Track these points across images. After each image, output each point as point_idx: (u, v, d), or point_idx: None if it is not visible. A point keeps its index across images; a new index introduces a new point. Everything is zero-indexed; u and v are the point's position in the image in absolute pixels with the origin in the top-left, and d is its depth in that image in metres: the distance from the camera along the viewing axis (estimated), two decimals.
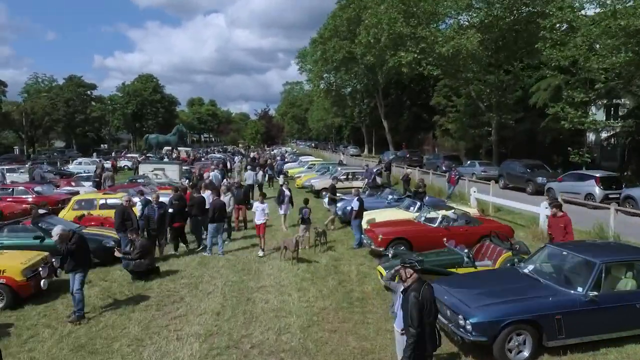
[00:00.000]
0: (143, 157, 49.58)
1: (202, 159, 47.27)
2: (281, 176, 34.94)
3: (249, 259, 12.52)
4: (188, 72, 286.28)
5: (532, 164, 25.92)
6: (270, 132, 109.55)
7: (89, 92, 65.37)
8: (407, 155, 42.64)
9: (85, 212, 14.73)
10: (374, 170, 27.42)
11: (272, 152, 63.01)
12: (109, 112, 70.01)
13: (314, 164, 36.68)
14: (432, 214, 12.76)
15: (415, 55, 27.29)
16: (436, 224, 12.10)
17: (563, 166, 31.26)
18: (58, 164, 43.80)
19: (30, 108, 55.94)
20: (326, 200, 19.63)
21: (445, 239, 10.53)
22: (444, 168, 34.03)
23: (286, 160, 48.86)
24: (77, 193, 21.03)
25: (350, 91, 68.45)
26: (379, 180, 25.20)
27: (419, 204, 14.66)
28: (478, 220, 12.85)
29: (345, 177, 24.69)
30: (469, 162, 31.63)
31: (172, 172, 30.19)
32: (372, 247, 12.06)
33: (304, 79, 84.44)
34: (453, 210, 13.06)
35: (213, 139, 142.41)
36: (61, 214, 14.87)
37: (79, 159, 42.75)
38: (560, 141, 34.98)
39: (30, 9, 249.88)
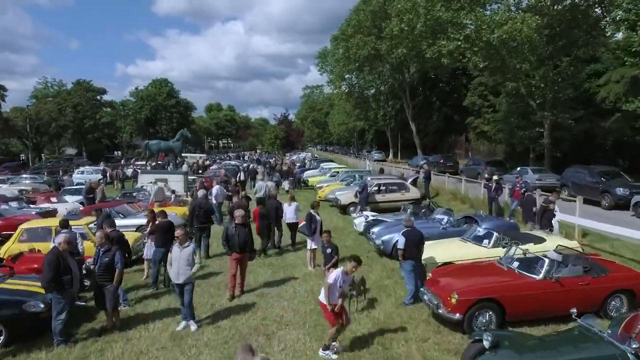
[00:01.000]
0: (153, 164, 46.40)
1: (213, 167, 43.65)
2: (285, 182, 31.19)
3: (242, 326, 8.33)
4: (208, 78, 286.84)
5: (607, 171, 21.24)
6: (290, 137, 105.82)
7: (98, 97, 62.66)
8: (441, 161, 38.08)
9: (36, 247, 10.83)
10: (411, 178, 23.14)
11: (291, 159, 59.11)
12: (121, 118, 67.20)
13: (338, 172, 32.54)
14: (529, 254, 8.42)
15: (459, 44, 22.89)
16: (541, 275, 7.72)
17: (630, 172, 26.34)
18: (60, 172, 40.60)
19: (35, 113, 53.26)
20: (358, 221, 15.44)
21: (573, 310, 6.16)
22: (486, 176, 29.51)
23: (306, 166, 44.92)
24: (53, 214, 17.27)
25: (374, 92, 64.20)
26: (415, 191, 20.86)
27: (495, 235, 10.29)
28: (600, 265, 8.41)
29: (377, 189, 20.42)
30: (519, 168, 26.98)
31: (177, 183, 26.40)
32: (440, 311, 7.73)
33: (325, 82, 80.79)
34: (557, 248, 8.70)
35: (232, 145, 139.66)
36: (3, 248, 11.04)
37: (81, 168, 39.49)
38: (624, 143, 30.08)
39: (54, 19, 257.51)
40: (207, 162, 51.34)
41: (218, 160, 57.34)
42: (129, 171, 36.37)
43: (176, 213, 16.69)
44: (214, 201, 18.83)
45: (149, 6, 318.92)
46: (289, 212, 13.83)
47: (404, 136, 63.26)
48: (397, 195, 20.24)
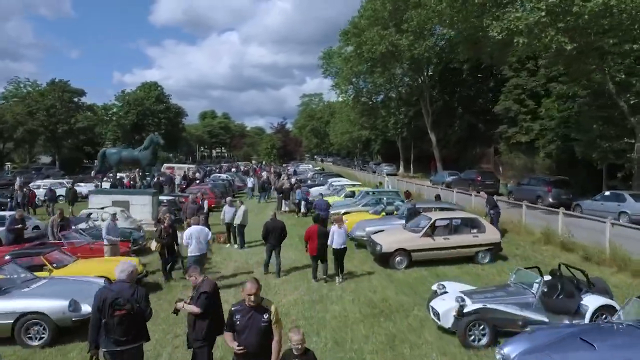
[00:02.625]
0: (133, 175, 39.28)
1: (201, 180, 36.51)
2: (284, 204, 24.72)
3: None
4: (204, 87, 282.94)
5: None
6: (287, 147, 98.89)
7: (76, 99, 55.45)
8: (478, 178, 31.14)
9: None
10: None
11: (287, 171, 52.02)
12: (102, 123, 59.92)
13: (354, 191, 25.58)
14: None
15: (542, 15, 16.03)
16: None
17: None
18: (16, 184, 33.24)
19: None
20: (444, 306, 8.39)
21: None
22: (550, 200, 22.65)
23: (307, 181, 37.94)
24: None
25: (383, 98, 57.52)
26: (492, 231, 13.85)
27: None
28: None
29: (434, 225, 13.40)
30: (607, 193, 20.07)
31: (142, 207, 19.32)
32: None
33: (328, 87, 74.14)
34: None
35: (226, 154, 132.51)
36: None
37: (38, 181, 32.29)
38: None
39: (53, 28, 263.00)
40: (197, 175, 44.25)
41: (207, 172, 50.28)
42: (85, 188, 29.33)
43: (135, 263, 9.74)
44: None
45: (146, 16, 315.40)
46: (337, 236, 11.87)
47: (418, 147, 56.51)
48: (467, 238, 13.26)
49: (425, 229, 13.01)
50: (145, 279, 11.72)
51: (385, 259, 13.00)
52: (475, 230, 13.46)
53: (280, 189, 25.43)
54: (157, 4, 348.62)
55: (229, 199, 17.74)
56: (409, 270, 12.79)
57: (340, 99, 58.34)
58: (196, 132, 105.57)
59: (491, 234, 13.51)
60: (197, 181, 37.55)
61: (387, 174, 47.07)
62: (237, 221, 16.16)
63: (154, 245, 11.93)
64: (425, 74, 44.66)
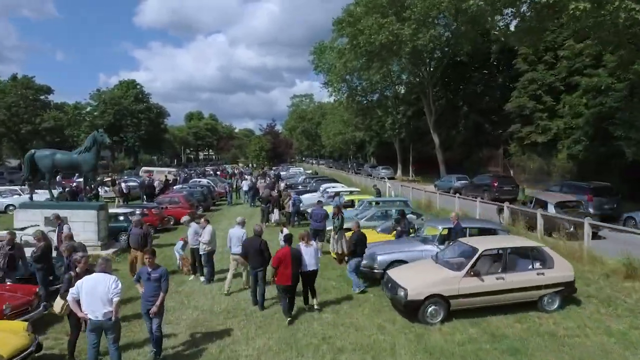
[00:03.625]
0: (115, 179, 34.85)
1: (176, 187, 32.05)
2: (274, 213, 20.79)
3: None
4: (192, 90, 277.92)
5: None
6: (277, 149, 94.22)
7: (43, 97, 50.66)
8: (495, 184, 27.11)
9: None
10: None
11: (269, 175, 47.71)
12: (73, 123, 55.10)
13: (353, 200, 21.48)
14: None
15: None
16: None
17: None
18: None
19: None
20: None
21: None
22: (591, 211, 18.67)
23: (299, 187, 33.77)
24: None
25: (379, 97, 53.50)
26: (563, 266, 9.82)
27: None
28: None
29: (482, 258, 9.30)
30: None
31: (85, 223, 15.00)
32: None
33: (316, 90, 69.80)
34: None
35: (213, 157, 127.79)
36: None
37: None
38: None
39: (38, 31, 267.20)
40: (175, 177, 39.90)
41: (192, 174, 45.78)
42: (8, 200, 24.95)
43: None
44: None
45: (131, 18, 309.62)
46: (308, 257, 9.55)
47: (417, 149, 52.59)
48: (529, 277, 9.17)
49: (470, 264, 8.88)
50: None
51: (412, 309, 8.84)
52: (539, 265, 9.37)
53: (267, 198, 21.10)
54: (142, 5, 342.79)
55: (185, 218, 13.39)
56: (448, 326, 8.67)
57: (332, 99, 54.16)
58: (180, 134, 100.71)
59: (561, 269, 9.41)
60: (175, 187, 33.14)
61: (384, 178, 42.99)
62: (202, 249, 11.95)
63: (58, 306, 7.48)
64: (429, 68, 40.70)
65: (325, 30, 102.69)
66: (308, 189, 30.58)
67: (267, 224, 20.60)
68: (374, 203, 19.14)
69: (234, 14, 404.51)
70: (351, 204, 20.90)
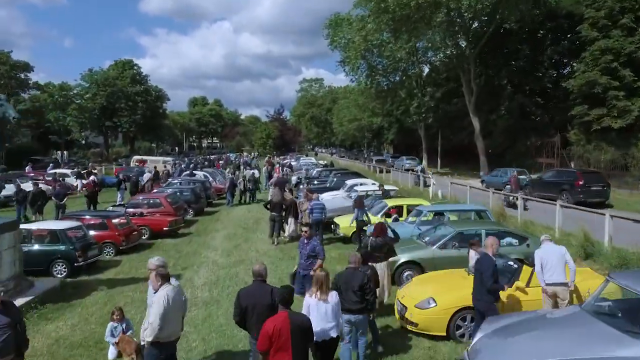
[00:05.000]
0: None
1: (168, 180, 25.83)
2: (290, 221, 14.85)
3: None
4: (198, 77, 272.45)
5: None
6: (285, 137, 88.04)
7: (21, 76, 44.34)
8: (579, 182, 20.51)
9: None
10: None
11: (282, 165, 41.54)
12: (58, 106, 48.74)
13: (401, 207, 15.14)
14: None
15: None
16: None
17: None
18: None
19: None
20: None
21: None
22: None
23: (314, 182, 27.63)
24: None
25: (402, 78, 46.92)
26: None
27: None
28: None
29: None
30: None
31: None
32: None
33: (324, 75, 63.18)
34: None
35: (218, 145, 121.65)
36: None
37: None
38: None
39: (46, 18, 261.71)
40: (168, 169, 33.83)
41: (183, 164, 39.55)
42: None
43: None
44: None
45: (136, 5, 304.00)
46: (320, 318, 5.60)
47: (445, 136, 46.13)
48: None
49: None
50: None
51: None
52: None
53: (279, 203, 14.79)
54: None
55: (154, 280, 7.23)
56: None
57: (349, 79, 47.65)
58: (182, 120, 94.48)
59: None
60: (166, 180, 26.97)
61: (409, 170, 36.66)
62: (142, 335, 5.78)
63: None
64: (469, 38, 34.06)
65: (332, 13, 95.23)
66: (328, 185, 24.34)
67: (277, 240, 14.49)
68: (439, 215, 12.93)
69: (239, 0, 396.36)
70: (397, 213, 14.66)
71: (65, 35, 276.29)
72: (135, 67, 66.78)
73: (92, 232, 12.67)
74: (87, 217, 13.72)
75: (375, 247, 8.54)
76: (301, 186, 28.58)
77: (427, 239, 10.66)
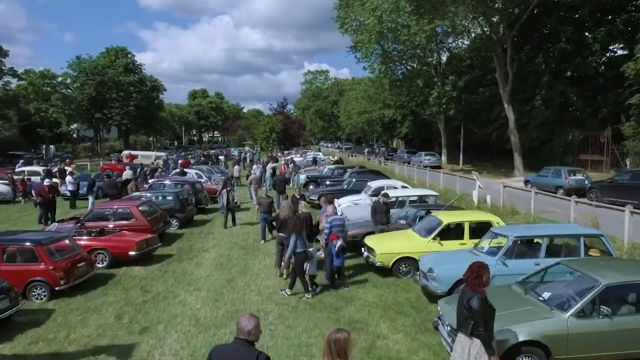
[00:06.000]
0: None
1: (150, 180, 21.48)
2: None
3: None
4: (199, 72, 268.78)
5: None
6: (289, 131, 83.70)
7: None
8: None
9: None
10: None
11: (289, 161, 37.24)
12: (37, 96, 44.20)
13: (453, 225, 10.73)
14: None
15: None
16: None
17: None
18: None
19: None
20: None
21: None
22: None
23: (325, 183, 23.49)
24: None
25: (418, 65, 42.42)
26: None
27: None
28: None
29: None
30: None
31: None
32: None
33: (336, 62, 58.49)
34: None
35: (219, 139, 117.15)
36: None
37: None
38: None
39: (46, 12, 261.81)
40: (156, 167, 29.41)
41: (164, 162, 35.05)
42: None
43: None
44: None
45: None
46: None
47: (470, 130, 41.67)
48: None
49: None
50: None
51: None
52: None
53: (290, 222, 10.28)
54: None
55: None
56: None
57: (362, 66, 43.10)
58: (179, 113, 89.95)
59: None
60: (145, 180, 22.64)
61: (428, 167, 32.32)
62: None
63: None
64: (505, 17, 29.50)
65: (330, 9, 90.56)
66: (345, 188, 20.02)
67: (287, 272, 10.09)
68: (513, 239, 8.65)
69: None
70: (456, 233, 10.36)
71: (66, 30, 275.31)
72: (129, 56, 62.33)
73: (8, 266, 8.43)
74: (7, 241, 9.37)
75: (475, 310, 4.45)
76: (311, 187, 24.62)
77: (544, 295, 6.32)
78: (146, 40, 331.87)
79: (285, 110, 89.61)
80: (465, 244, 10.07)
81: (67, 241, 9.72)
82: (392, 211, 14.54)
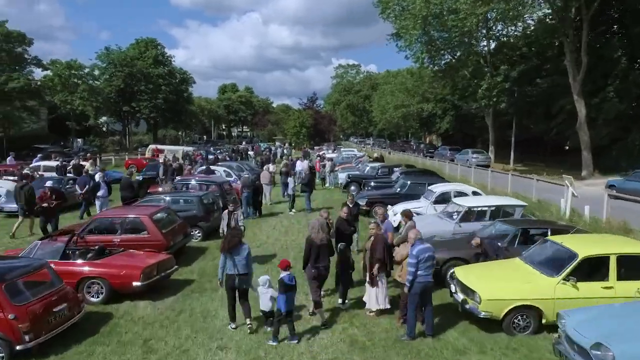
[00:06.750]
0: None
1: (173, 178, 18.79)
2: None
3: None
4: (229, 69, 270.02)
5: None
6: (319, 126, 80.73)
7: (19, 50, 38.16)
8: None
9: None
10: None
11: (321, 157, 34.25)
12: (63, 88, 42.54)
13: (600, 254, 7.43)
14: None
15: None
16: None
17: None
18: None
19: None
20: None
21: None
22: None
23: (370, 184, 20.41)
24: None
25: (464, 53, 38.61)
26: None
27: None
28: None
29: None
30: None
31: None
32: None
33: (364, 59, 54.77)
34: None
35: (248, 133, 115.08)
36: None
37: None
38: None
39: (84, 11, 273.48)
40: (179, 163, 26.68)
41: (202, 154, 32.50)
42: None
43: None
44: None
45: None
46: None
47: (525, 126, 37.74)
48: None
49: None
50: None
51: None
52: None
53: (316, 244, 7.29)
54: None
55: None
56: None
57: (405, 55, 39.50)
58: (209, 106, 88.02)
59: None
60: (168, 178, 19.99)
61: (479, 165, 28.75)
62: None
63: None
64: None
65: (359, 9, 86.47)
66: (399, 191, 16.82)
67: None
68: None
69: None
70: (596, 264, 7.13)
71: (102, 28, 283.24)
72: (159, 47, 60.42)
73: None
74: None
75: None
76: (351, 188, 21.47)
77: None
78: (178, 37, 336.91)
79: (315, 105, 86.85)
80: (612, 287, 6.86)
81: (43, 270, 6.92)
82: (465, 226, 11.50)
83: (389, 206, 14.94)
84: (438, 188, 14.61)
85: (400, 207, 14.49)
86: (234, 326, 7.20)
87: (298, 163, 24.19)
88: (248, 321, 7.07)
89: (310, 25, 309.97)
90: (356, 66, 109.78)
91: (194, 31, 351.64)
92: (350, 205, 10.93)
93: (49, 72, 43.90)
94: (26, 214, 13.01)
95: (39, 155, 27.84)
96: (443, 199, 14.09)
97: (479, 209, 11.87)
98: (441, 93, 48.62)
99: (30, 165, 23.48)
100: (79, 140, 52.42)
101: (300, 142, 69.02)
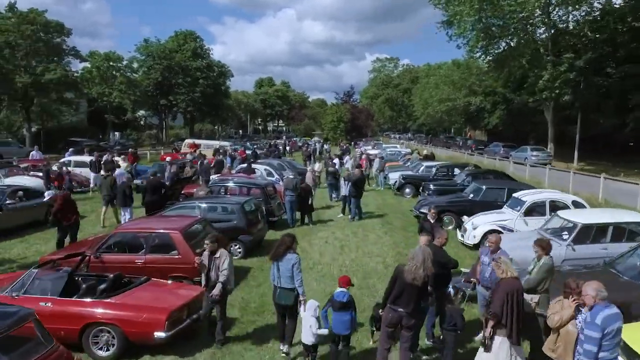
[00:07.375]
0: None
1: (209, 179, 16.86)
2: None
3: None
4: (264, 64, 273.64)
5: None
6: (356, 121, 78.20)
7: (58, 40, 37.32)
8: None
9: None
10: None
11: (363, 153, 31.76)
12: (102, 80, 41.71)
13: None
14: None
15: None
16: None
17: None
18: None
19: None
20: None
21: None
22: None
23: (431, 187, 17.98)
24: None
25: (521, 41, 35.15)
26: None
27: None
28: None
29: None
30: None
31: None
32: None
33: (398, 53, 51.58)
34: None
35: (284, 128, 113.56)
36: None
37: None
38: None
39: (127, 7, 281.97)
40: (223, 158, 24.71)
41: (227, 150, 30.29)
42: None
43: None
44: None
45: None
46: None
47: (592, 121, 34.10)
48: None
49: None
50: None
51: None
52: None
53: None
54: None
55: None
56: None
57: (458, 44, 36.35)
58: (244, 100, 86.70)
59: None
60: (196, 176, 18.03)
61: (539, 163, 25.57)
62: None
63: None
64: None
65: (392, 4, 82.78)
66: (472, 198, 14.18)
67: None
68: None
69: None
70: None
71: (144, 25, 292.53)
72: (198, 40, 59.22)
73: None
74: None
75: None
76: (407, 190, 18.95)
77: None
78: (216, 34, 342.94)
79: (351, 100, 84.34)
80: None
81: (28, 324, 4.86)
82: (580, 249, 8.88)
83: (464, 217, 12.45)
84: (528, 196, 11.92)
85: (480, 219, 11.98)
86: (284, 349, 6.24)
87: (336, 161, 21.85)
88: (283, 347, 6.18)
89: (344, 20, 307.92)
90: (394, 59, 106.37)
91: (231, 27, 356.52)
92: (433, 219, 8.57)
93: (87, 64, 43.20)
94: (109, 203, 13.61)
95: (70, 149, 26.47)
96: (534, 209, 11.49)
97: (598, 226, 9.18)
98: (492, 85, 45.21)
99: (60, 161, 22.06)
100: (117, 133, 51.84)
101: (337, 137, 66.72)
